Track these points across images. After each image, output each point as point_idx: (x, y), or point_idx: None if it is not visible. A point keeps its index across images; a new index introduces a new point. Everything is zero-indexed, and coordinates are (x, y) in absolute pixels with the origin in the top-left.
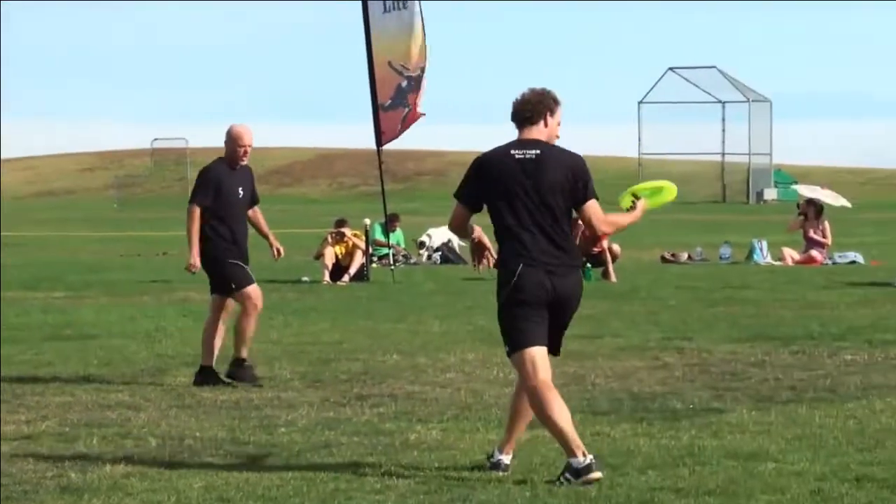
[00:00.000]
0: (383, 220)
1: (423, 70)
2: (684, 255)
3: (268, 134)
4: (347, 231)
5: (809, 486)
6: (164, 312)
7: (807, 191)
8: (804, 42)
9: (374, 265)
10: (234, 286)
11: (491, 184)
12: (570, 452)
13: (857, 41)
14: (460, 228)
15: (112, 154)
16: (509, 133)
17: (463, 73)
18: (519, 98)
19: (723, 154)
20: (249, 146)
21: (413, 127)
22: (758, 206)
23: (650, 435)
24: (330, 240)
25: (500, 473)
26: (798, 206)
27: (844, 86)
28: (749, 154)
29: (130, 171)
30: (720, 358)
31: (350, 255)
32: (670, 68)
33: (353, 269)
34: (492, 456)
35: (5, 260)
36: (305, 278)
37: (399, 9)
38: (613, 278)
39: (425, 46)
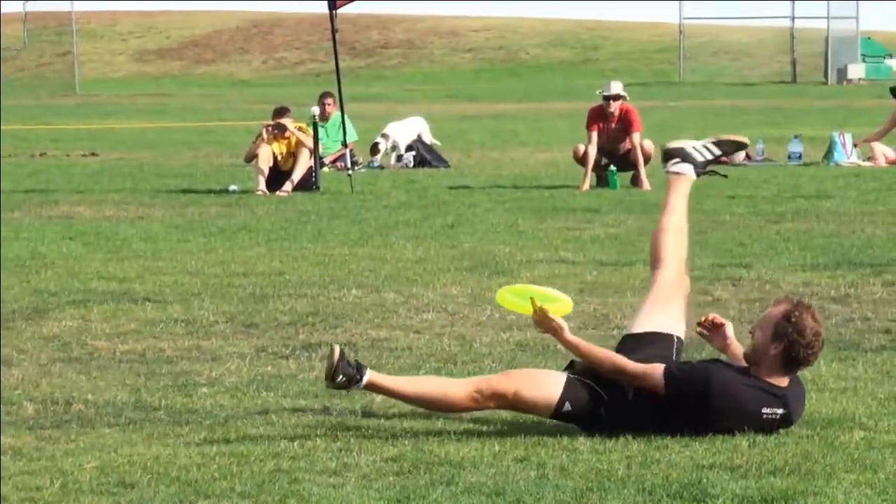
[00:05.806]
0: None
1: None
2: (741, 155)
3: None
4: (289, 123)
5: None
6: (44, 233)
7: None
8: None
9: (325, 169)
10: None
11: None
12: None
13: None
14: None
15: None
16: None
17: None
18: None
19: (792, 18)
20: None
21: None
22: (840, 87)
23: None
24: (266, 135)
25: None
26: (892, 89)
27: None
28: (828, 18)
29: None
30: (789, 291)
31: (293, 155)
32: None
33: (297, 175)
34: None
35: None
36: (234, 187)
37: None
38: (646, 185)
39: None
